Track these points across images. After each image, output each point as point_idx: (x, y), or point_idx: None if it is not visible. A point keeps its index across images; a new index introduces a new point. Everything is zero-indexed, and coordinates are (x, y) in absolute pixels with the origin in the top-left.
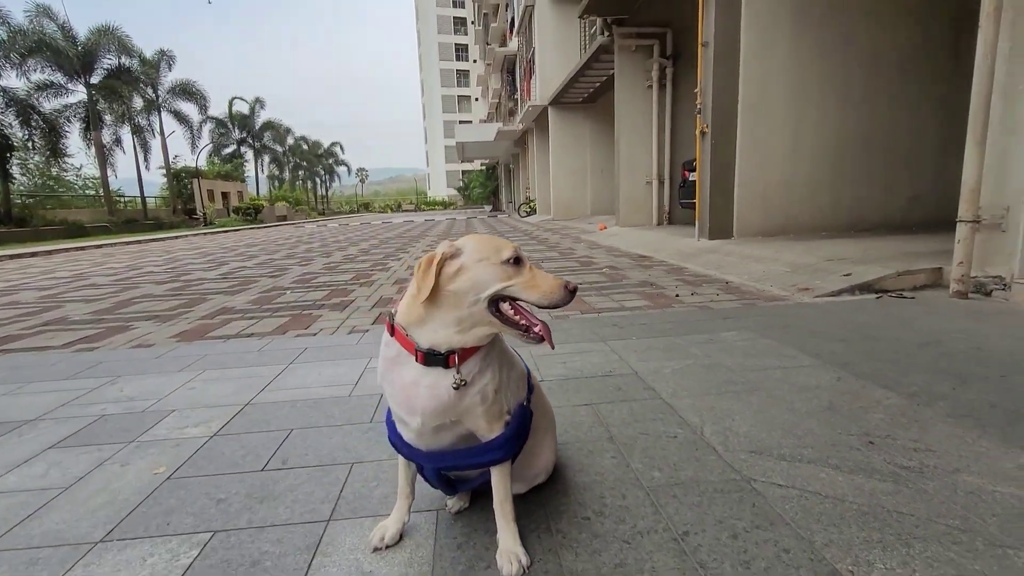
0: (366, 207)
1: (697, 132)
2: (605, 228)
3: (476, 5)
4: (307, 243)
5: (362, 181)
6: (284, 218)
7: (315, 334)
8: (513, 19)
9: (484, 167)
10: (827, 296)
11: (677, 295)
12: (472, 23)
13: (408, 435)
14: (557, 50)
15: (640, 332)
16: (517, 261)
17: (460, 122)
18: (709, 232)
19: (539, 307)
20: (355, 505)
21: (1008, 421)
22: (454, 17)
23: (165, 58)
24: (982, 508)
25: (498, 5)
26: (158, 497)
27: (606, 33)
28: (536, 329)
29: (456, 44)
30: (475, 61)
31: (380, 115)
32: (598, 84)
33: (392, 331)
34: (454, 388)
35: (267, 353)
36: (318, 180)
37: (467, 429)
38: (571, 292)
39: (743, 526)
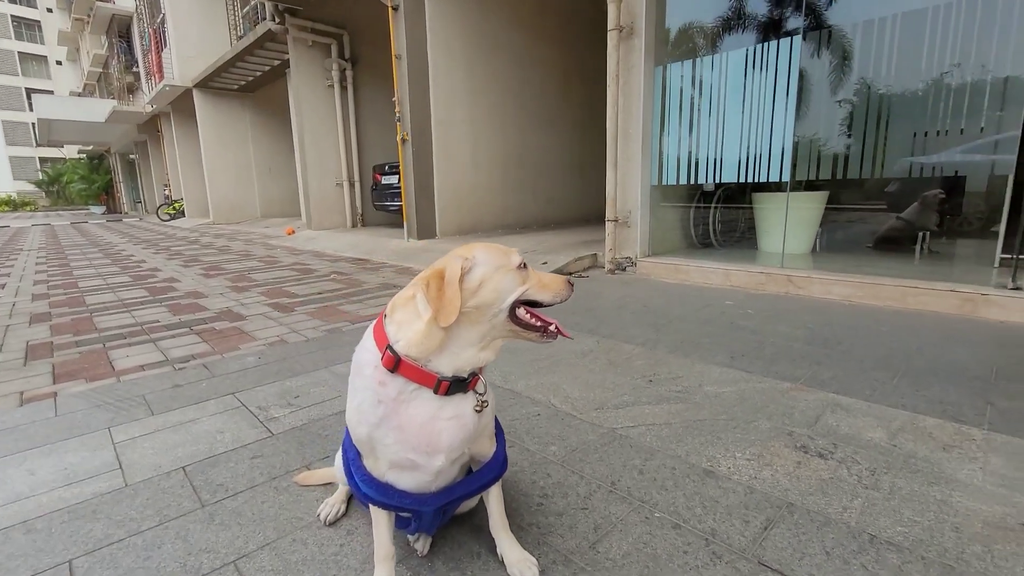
0: None
1: (398, 139)
2: (294, 232)
3: None
4: None
5: None
6: None
7: None
8: None
9: (84, 155)
10: None
11: None
12: None
13: (417, 480)
14: (200, 22)
15: None
16: (524, 265)
17: (31, 90)
18: (418, 233)
19: (549, 306)
20: None
21: (693, 349)
22: None
23: None
24: (727, 403)
25: None
26: None
27: (277, 20)
28: (552, 327)
29: None
30: (51, 10)
31: None
32: (261, 72)
33: (396, 366)
34: (477, 411)
35: None
36: None
37: (468, 455)
38: (572, 286)
39: (638, 462)
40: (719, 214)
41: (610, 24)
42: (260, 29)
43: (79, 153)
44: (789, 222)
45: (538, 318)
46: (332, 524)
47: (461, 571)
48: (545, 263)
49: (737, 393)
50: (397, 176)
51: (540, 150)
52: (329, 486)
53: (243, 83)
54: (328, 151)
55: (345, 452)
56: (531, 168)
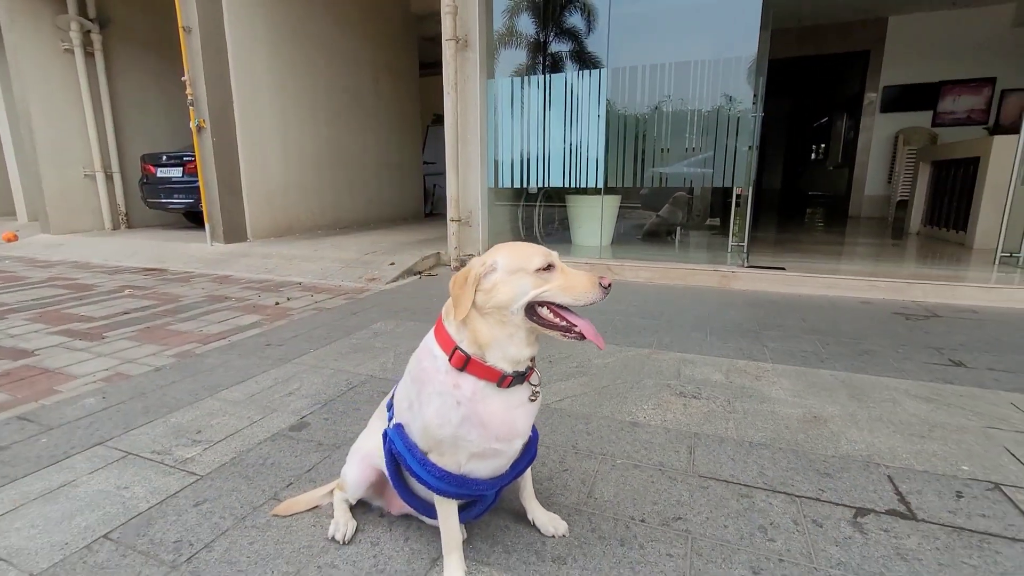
0: None
1: (193, 126)
2: (16, 238)
3: None
4: None
5: None
6: None
7: None
8: None
9: None
10: (393, 282)
11: (278, 303)
12: None
13: (496, 466)
14: None
15: (304, 344)
16: (549, 267)
17: None
18: (224, 236)
19: (575, 307)
20: None
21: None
22: None
23: None
24: (620, 370)
25: None
26: None
27: None
28: (576, 328)
29: None
30: None
31: None
32: None
33: (465, 365)
34: (531, 400)
35: None
36: None
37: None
38: (605, 288)
39: (582, 427)
40: (542, 213)
41: (446, 34)
42: None
43: None
44: (598, 219)
45: (563, 318)
46: (350, 542)
47: (500, 543)
48: (392, 264)
49: (618, 362)
50: (180, 168)
51: (356, 148)
52: (316, 510)
53: None
54: (70, 133)
55: (401, 459)
56: (347, 166)
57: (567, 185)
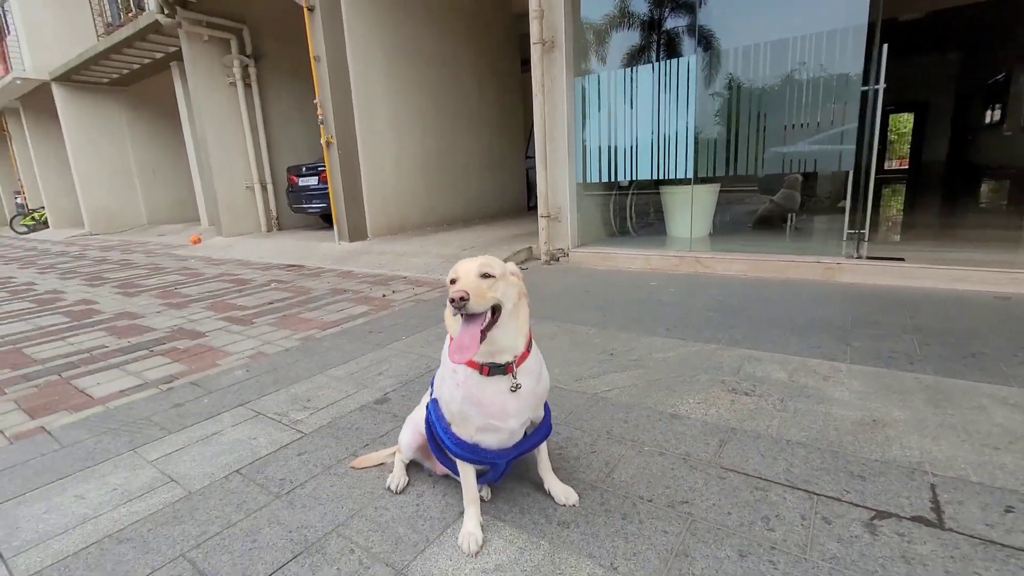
0: None
1: (323, 141)
2: (201, 241)
3: None
4: None
5: None
6: None
7: None
8: None
9: None
10: None
11: (384, 295)
12: None
13: (498, 439)
14: (54, 8)
15: (402, 331)
16: (453, 281)
17: None
18: (349, 235)
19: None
20: (402, 548)
21: (636, 325)
22: None
23: None
24: (674, 364)
25: None
26: None
27: (166, 12)
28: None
29: None
30: None
31: None
32: (139, 65)
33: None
34: (512, 391)
35: None
36: None
37: (529, 419)
38: (452, 302)
39: (622, 416)
40: (634, 205)
41: (533, 38)
42: (144, 20)
43: None
44: (693, 210)
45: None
46: (402, 492)
47: (518, 505)
48: None
49: (678, 357)
50: (316, 177)
51: (460, 151)
52: (382, 466)
53: (116, 76)
54: (235, 153)
55: (432, 427)
56: (452, 167)
57: (655, 177)
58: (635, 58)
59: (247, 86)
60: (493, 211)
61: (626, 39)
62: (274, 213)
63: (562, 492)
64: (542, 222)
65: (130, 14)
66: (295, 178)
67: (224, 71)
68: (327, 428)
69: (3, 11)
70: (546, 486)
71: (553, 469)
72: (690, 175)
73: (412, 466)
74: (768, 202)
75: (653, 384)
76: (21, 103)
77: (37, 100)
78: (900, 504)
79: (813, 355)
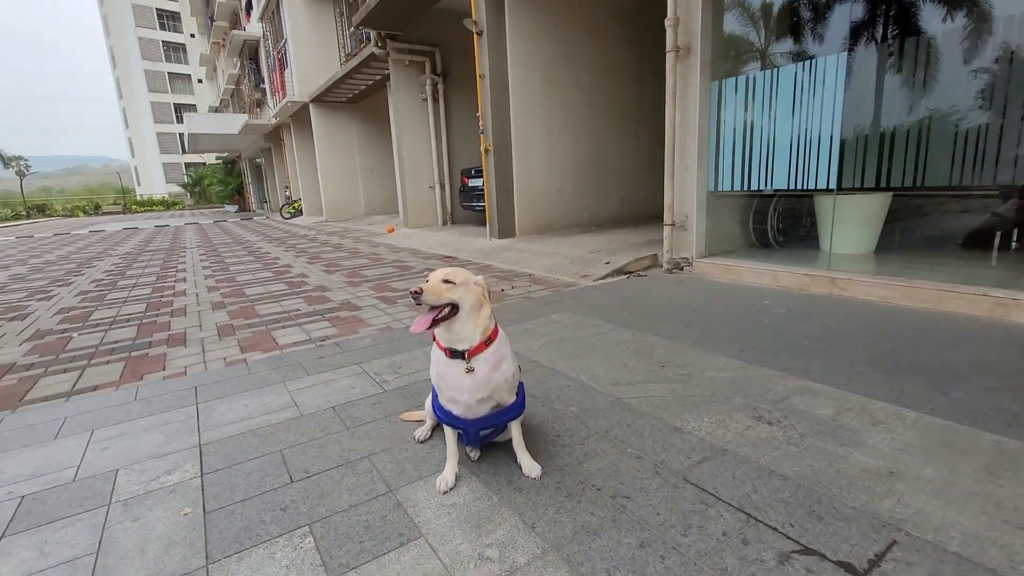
0: (41, 211)
1: (482, 149)
2: (394, 230)
3: None
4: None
5: (21, 174)
6: None
7: (184, 373)
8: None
9: (221, 160)
10: (600, 279)
11: (503, 290)
12: None
13: (461, 409)
14: (314, 45)
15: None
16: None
17: (179, 106)
18: (499, 233)
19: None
20: (401, 478)
21: (712, 343)
22: None
23: None
24: (716, 385)
25: None
26: (218, 525)
27: (379, 44)
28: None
29: (159, 9)
30: (193, 35)
31: (42, 88)
32: (364, 87)
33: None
34: (466, 372)
35: (153, 401)
36: None
37: (496, 401)
38: (412, 293)
39: (629, 420)
40: (779, 215)
41: (668, 46)
42: (365, 53)
43: (216, 159)
44: (848, 223)
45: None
46: (422, 442)
47: (494, 468)
48: (608, 263)
49: (729, 379)
50: (481, 179)
51: (613, 153)
52: (420, 422)
53: (350, 96)
54: (422, 157)
55: (432, 395)
56: (604, 169)
57: (793, 187)
58: (777, 58)
59: (435, 101)
60: (645, 213)
61: (771, 38)
62: (449, 210)
63: (528, 465)
64: (666, 230)
65: (362, 44)
66: (466, 179)
67: (419, 89)
68: (402, 389)
69: (285, 50)
70: (518, 460)
71: (535, 449)
72: (833, 185)
73: (439, 428)
74: (991, 216)
75: (681, 399)
76: (291, 119)
77: (300, 117)
78: (837, 548)
79: (885, 398)
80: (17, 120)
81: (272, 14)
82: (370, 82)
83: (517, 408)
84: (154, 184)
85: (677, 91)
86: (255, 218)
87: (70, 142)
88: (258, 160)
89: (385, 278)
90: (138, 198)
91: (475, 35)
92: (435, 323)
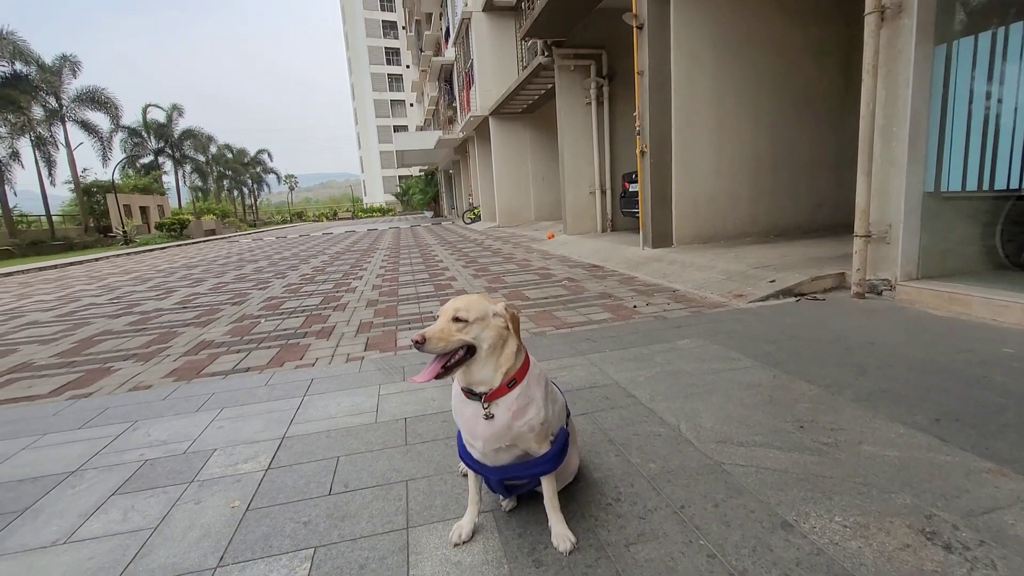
0: (299, 216)
1: (638, 151)
2: (553, 236)
3: (407, 11)
4: (252, 261)
5: (292, 189)
6: (213, 232)
7: (313, 364)
8: (448, 29)
9: (423, 172)
10: (758, 301)
11: (635, 306)
12: (403, 28)
13: (477, 453)
14: (495, 61)
15: (611, 344)
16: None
17: (395, 127)
18: (652, 241)
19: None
20: (424, 515)
21: (892, 402)
22: (383, 21)
23: (69, 64)
24: (876, 468)
25: (431, 14)
26: (248, 526)
27: (545, 53)
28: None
29: (387, 48)
30: (408, 66)
31: (309, 118)
32: (537, 96)
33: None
34: (485, 418)
35: (276, 387)
36: (245, 189)
37: (522, 449)
38: (414, 342)
39: (720, 497)
40: None
41: (868, 6)
42: (533, 63)
43: (419, 171)
44: None
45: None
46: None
47: (525, 527)
48: (772, 281)
49: (901, 460)
50: None
51: (805, 147)
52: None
53: (524, 107)
54: (583, 161)
55: (458, 431)
56: (791, 168)
57: None
58: None
59: (600, 104)
60: (846, 221)
61: None
62: (609, 216)
63: (559, 535)
64: (857, 243)
65: (536, 55)
66: (627, 184)
67: (583, 93)
68: None
69: (471, 68)
70: (549, 523)
71: (580, 512)
72: None
73: None
74: None
75: (810, 480)
76: (475, 133)
77: (481, 129)
78: None
79: None
80: (290, 146)
81: (462, 38)
82: (542, 91)
83: (549, 462)
84: (375, 194)
85: (880, 63)
86: (443, 223)
87: (324, 161)
88: (450, 171)
89: (522, 286)
90: (364, 206)
91: (635, 29)
92: (446, 371)
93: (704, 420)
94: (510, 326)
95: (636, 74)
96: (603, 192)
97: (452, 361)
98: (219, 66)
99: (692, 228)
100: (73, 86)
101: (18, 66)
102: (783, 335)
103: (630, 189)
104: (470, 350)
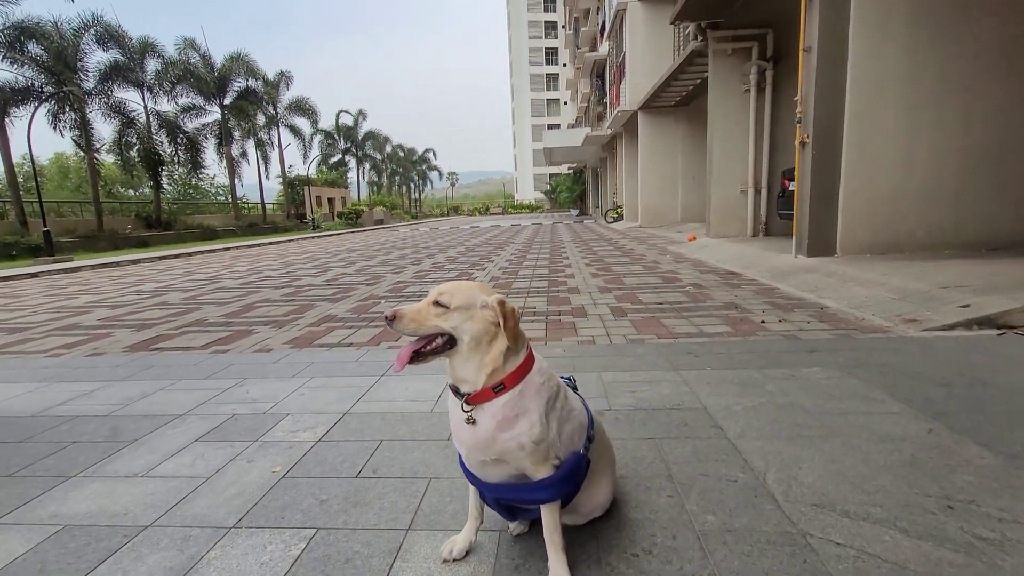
0: (455, 210)
1: (797, 142)
2: (695, 239)
3: (567, 9)
4: (400, 248)
5: (452, 184)
6: (381, 222)
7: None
8: (604, 23)
9: (571, 170)
10: (937, 330)
11: (763, 321)
12: (563, 27)
13: (467, 462)
14: (648, 53)
15: (716, 362)
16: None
17: (548, 126)
18: (808, 249)
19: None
20: (431, 518)
21: None
22: (545, 21)
23: (284, 78)
24: (1008, 545)
25: (588, 9)
26: (275, 493)
27: (699, 38)
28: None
29: (546, 48)
30: (564, 65)
31: (471, 119)
32: (691, 87)
33: None
34: (466, 422)
35: (364, 364)
36: (412, 184)
37: (516, 468)
38: (387, 319)
39: None
40: None
41: None
42: (686, 50)
43: (568, 169)
44: None
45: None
46: None
47: (527, 558)
48: (967, 306)
49: None
50: None
51: None
52: None
53: (677, 99)
54: (734, 157)
55: None
56: (1018, 166)
57: None
58: None
59: (760, 91)
60: None
61: None
62: (762, 218)
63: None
64: None
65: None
66: (786, 182)
67: (741, 79)
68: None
69: (623, 61)
70: (549, 563)
71: (595, 556)
72: None
73: None
74: None
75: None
76: (623, 129)
77: (630, 125)
78: None
79: None
80: (454, 145)
81: (616, 31)
82: (696, 81)
83: (547, 489)
84: (526, 191)
85: None
86: (585, 221)
87: (483, 159)
88: (598, 169)
89: (638, 288)
90: (514, 202)
91: (802, 1)
92: (417, 357)
93: (804, 473)
94: (501, 322)
95: (801, 51)
96: (757, 191)
97: (426, 347)
98: (394, 73)
99: (864, 234)
100: (286, 97)
101: (249, 82)
102: (961, 377)
103: (789, 188)
104: (451, 341)
